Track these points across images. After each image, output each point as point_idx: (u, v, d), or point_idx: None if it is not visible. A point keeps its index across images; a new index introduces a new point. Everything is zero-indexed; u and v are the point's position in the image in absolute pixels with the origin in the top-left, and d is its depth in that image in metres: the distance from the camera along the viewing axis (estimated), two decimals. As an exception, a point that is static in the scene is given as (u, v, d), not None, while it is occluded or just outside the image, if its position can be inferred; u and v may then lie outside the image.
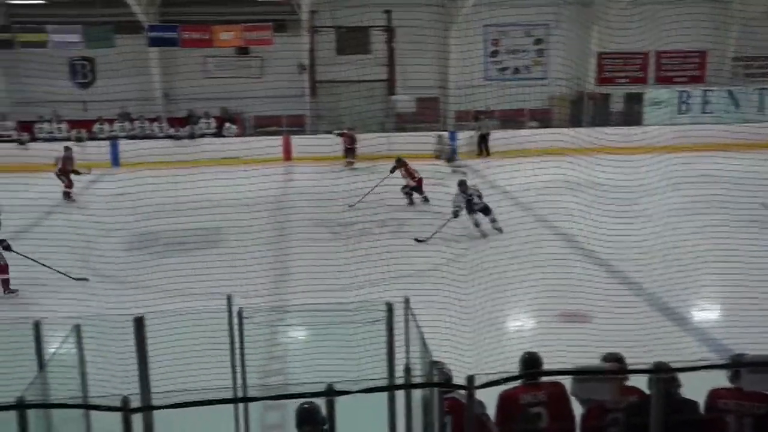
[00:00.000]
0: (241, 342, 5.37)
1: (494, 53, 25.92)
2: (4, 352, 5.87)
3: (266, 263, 11.29)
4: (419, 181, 16.57)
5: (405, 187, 16.64)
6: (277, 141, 22.76)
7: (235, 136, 23.58)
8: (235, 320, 5.36)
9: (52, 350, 4.71)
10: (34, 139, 23.18)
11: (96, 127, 24.04)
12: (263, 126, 24.31)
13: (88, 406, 4.00)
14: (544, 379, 5.01)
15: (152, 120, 24.16)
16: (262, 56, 24.59)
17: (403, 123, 24.14)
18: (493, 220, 13.36)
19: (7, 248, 10.98)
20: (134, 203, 12.29)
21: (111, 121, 24.05)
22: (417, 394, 4.62)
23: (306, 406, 4.50)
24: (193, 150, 19.77)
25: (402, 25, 23.38)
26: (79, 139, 22.97)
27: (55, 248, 11.10)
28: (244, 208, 12.72)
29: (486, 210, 13.40)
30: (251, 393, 5.31)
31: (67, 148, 18.40)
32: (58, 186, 17.48)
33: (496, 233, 13.28)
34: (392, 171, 16.78)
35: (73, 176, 18.03)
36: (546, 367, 5.05)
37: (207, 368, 5.81)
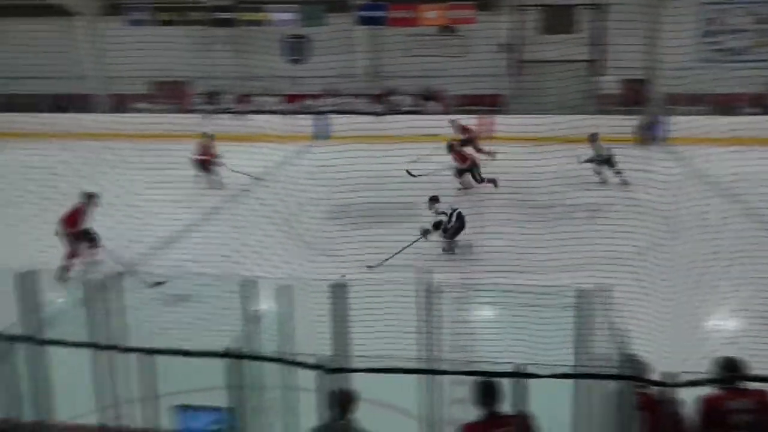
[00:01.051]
0: (432, 316, 5.44)
1: (710, 33, 24.09)
2: (217, 306, 6.38)
3: (459, 240, 11.38)
4: (470, 165, 16.18)
5: (456, 170, 16.29)
6: (476, 120, 22.71)
7: (435, 113, 23.81)
8: (428, 294, 5.44)
9: (260, 308, 5.03)
10: (249, 112, 24.83)
11: (305, 101, 25.28)
12: (463, 105, 24.36)
13: (290, 362, 4.26)
14: (748, 385, 4.65)
15: (356, 96, 24.98)
16: (465, 35, 24.55)
17: (606, 105, 23.17)
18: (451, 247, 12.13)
19: (93, 241, 11.24)
20: (336, 176, 12.83)
21: (318, 96, 25.18)
22: (607, 385, 4.47)
23: (486, 381, 4.48)
24: (393, 126, 20.17)
25: (611, 3, 22.37)
26: (288, 113, 24.34)
27: (263, 215, 11.89)
28: (440, 185, 12.86)
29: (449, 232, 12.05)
30: (438, 366, 5.40)
31: (204, 135, 17.91)
32: (269, 155, 18.28)
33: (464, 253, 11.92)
34: (459, 170, 16.36)
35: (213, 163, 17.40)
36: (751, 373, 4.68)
37: (398, 338, 5.98)
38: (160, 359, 4.44)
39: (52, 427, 4.58)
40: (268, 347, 5.01)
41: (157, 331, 6.27)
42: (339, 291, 4.64)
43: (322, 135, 23.37)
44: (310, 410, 4.65)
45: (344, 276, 8.83)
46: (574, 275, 7.27)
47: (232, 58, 25.49)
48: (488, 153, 18.08)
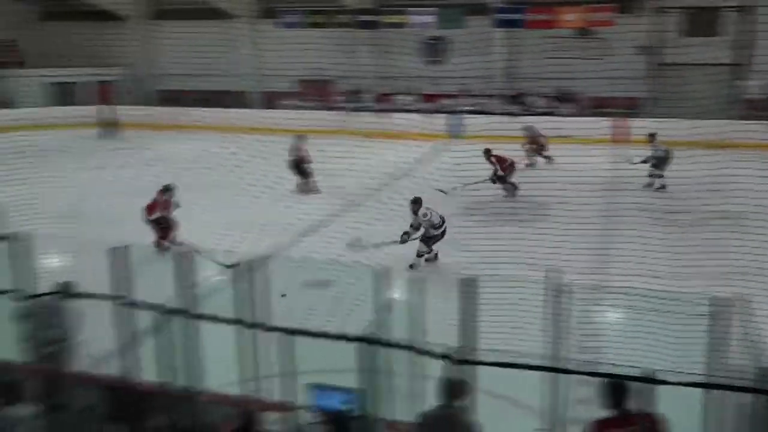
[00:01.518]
0: (560, 315, 5.29)
1: None
2: (353, 292, 6.49)
3: (590, 242, 11.01)
4: (507, 168, 15.29)
5: (494, 176, 15.21)
6: (609, 122, 21.91)
7: (568, 115, 23.17)
8: (556, 293, 5.29)
9: (392, 296, 5.07)
10: (389, 110, 25.14)
11: (441, 101, 25.29)
12: (597, 107, 23.57)
13: (420, 351, 4.26)
14: None
15: (491, 96, 24.72)
16: (603, 37, 23.71)
17: (751, 110, 21.70)
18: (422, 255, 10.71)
19: (166, 229, 11.41)
20: (471, 173, 12.75)
21: (454, 96, 25.12)
22: (741, 397, 4.19)
23: (615, 380, 4.30)
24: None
25: (759, 5, 20.90)
26: (424, 112, 24.44)
27: (395, 209, 11.99)
28: (571, 186, 12.50)
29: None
30: (565, 366, 5.25)
31: (300, 137, 16.51)
32: (406, 152, 18.30)
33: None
34: (494, 175, 15.22)
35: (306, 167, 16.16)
36: None
37: (524, 335, 5.86)
38: (299, 338, 4.57)
39: (200, 393, 4.82)
40: (399, 335, 5.05)
41: (297, 312, 6.46)
42: (469, 285, 4.60)
43: (456, 134, 23.30)
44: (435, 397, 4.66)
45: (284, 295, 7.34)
46: (710, 283, 6.86)
47: (373, 59, 25.92)
48: (549, 160, 17.62)
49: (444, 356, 3.88)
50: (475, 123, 21.08)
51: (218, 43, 25.12)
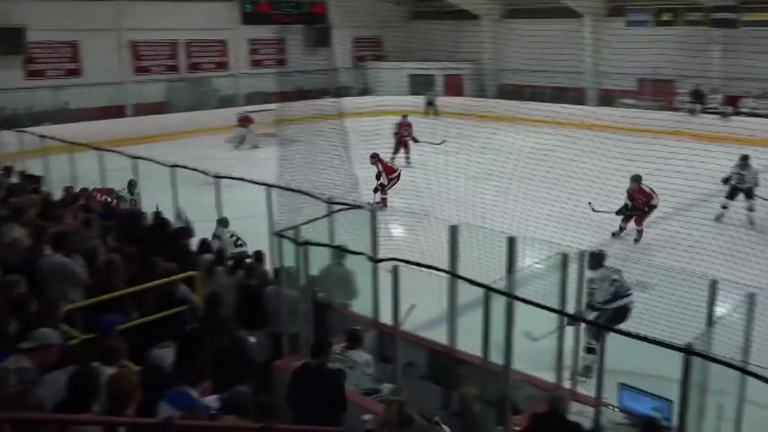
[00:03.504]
0: None
1: None
2: (679, 301, 6.00)
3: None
4: (390, 179, 14.14)
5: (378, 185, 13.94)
6: None
7: None
8: None
9: (723, 311, 4.59)
10: (736, 113, 22.64)
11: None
12: None
13: (748, 372, 3.81)
14: None
15: None
16: None
17: None
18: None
19: None
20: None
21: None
22: None
23: None
24: None
25: None
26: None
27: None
28: None
29: None
30: None
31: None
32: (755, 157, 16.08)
33: None
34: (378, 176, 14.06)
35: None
36: None
37: None
38: (615, 337, 4.35)
39: (516, 373, 4.87)
40: (724, 351, 4.55)
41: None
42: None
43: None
44: (757, 425, 4.13)
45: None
46: None
47: (723, 59, 23.49)
48: None
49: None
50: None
51: (561, 40, 24.83)
